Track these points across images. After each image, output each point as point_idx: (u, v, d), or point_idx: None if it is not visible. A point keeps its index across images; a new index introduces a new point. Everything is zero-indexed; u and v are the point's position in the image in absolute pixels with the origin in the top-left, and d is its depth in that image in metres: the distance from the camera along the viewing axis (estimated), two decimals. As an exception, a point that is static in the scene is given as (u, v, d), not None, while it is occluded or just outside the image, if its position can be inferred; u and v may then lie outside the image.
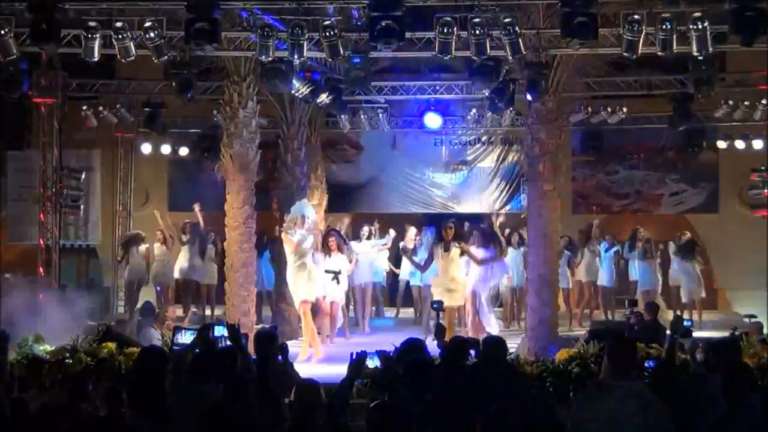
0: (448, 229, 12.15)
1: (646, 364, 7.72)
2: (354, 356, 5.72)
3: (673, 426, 4.96)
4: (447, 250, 11.93)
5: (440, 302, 10.34)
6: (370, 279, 15.08)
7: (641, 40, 10.24)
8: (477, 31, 10.33)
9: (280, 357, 7.14)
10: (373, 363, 6.26)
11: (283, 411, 5.70)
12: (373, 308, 15.58)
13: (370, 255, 15.08)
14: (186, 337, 8.35)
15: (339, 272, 12.79)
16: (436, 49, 10.57)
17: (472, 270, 12.64)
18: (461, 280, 12.26)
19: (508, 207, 17.42)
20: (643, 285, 15.43)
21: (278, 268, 14.63)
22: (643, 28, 10.16)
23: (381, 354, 6.29)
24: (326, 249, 12.79)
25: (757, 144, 16.50)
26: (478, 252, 12.52)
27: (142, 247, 15.68)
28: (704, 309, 15.81)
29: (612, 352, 5.11)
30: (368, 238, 15.42)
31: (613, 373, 5.03)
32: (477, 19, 10.37)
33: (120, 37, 10.47)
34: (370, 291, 15.05)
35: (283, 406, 5.78)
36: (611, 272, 15.67)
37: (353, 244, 14.43)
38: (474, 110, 16.39)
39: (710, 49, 10.34)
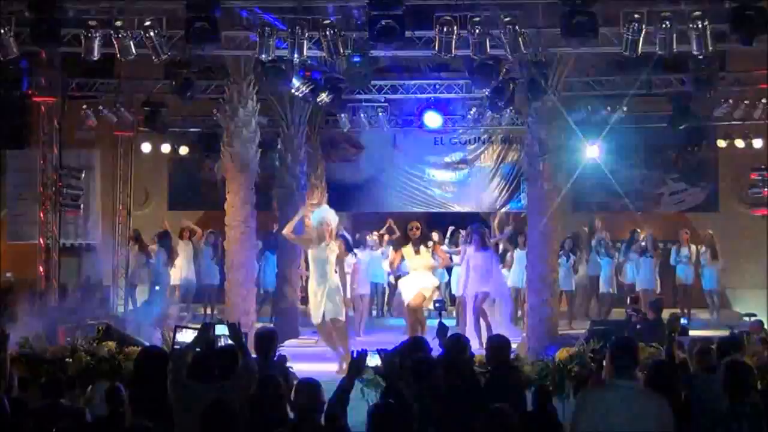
0: (415, 229, 12.03)
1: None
2: (355, 355, 5.72)
3: (673, 425, 4.96)
4: (417, 252, 11.71)
5: (442, 301, 10.35)
6: (368, 289, 15.02)
7: (641, 39, 10.23)
8: (477, 30, 10.33)
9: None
10: (373, 362, 6.26)
11: (284, 410, 5.70)
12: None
13: (372, 262, 15.02)
14: (187, 336, 8.34)
15: None
16: (436, 48, 10.56)
17: (471, 273, 12.68)
18: (432, 283, 12.27)
19: (507, 206, 17.42)
20: (642, 284, 15.44)
21: (281, 268, 14.69)
22: (644, 27, 10.16)
23: (381, 353, 6.29)
24: None
25: (757, 143, 16.50)
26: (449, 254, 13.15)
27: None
28: (704, 308, 15.87)
29: (614, 352, 5.11)
30: (373, 248, 15.41)
31: (615, 373, 5.03)
32: (477, 18, 10.37)
33: (120, 36, 10.47)
34: (367, 300, 14.93)
35: (283, 405, 5.78)
36: (611, 277, 15.75)
37: (357, 251, 14.44)
38: (474, 109, 16.39)
39: (710, 47, 10.34)
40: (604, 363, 6.31)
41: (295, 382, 5.76)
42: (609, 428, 4.80)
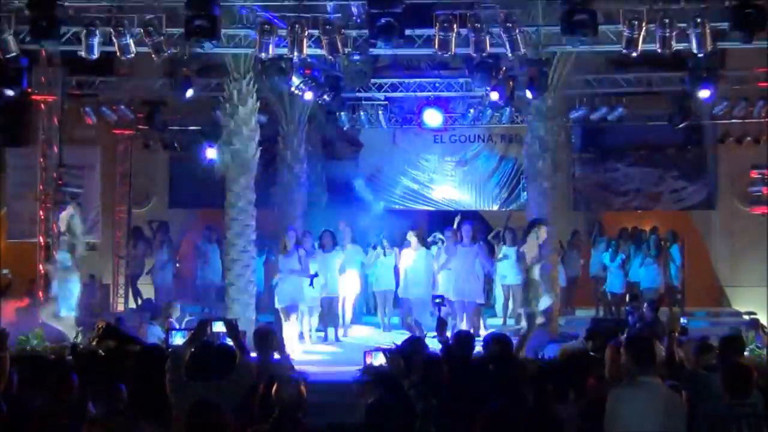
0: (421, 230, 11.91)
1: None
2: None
3: (685, 422, 4.99)
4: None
5: (441, 296, 10.34)
6: (392, 287, 14.16)
7: (641, 38, 10.23)
8: (477, 28, 10.32)
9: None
10: (378, 361, 6.26)
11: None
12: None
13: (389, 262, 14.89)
14: (184, 335, 8.32)
15: (315, 275, 12.64)
16: (436, 46, 10.56)
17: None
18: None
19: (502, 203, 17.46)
20: (649, 283, 15.39)
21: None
22: (644, 25, 10.16)
23: (386, 352, 6.28)
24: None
25: (757, 141, 16.51)
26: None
27: None
28: (704, 306, 15.87)
29: (633, 349, 5.13)
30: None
31: (639, 370, 5.05)
32: (477, 16, 10.37)
33: (119, 34, 10.47)
34: (391, 297, 14.16)
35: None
36: (621, 277, 15.64)
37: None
38: (473, 108, 16.39)
39: (710, 46, 10.34)
40: (606, 361, 6.33)
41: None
42: (643, 425, 4.82)
